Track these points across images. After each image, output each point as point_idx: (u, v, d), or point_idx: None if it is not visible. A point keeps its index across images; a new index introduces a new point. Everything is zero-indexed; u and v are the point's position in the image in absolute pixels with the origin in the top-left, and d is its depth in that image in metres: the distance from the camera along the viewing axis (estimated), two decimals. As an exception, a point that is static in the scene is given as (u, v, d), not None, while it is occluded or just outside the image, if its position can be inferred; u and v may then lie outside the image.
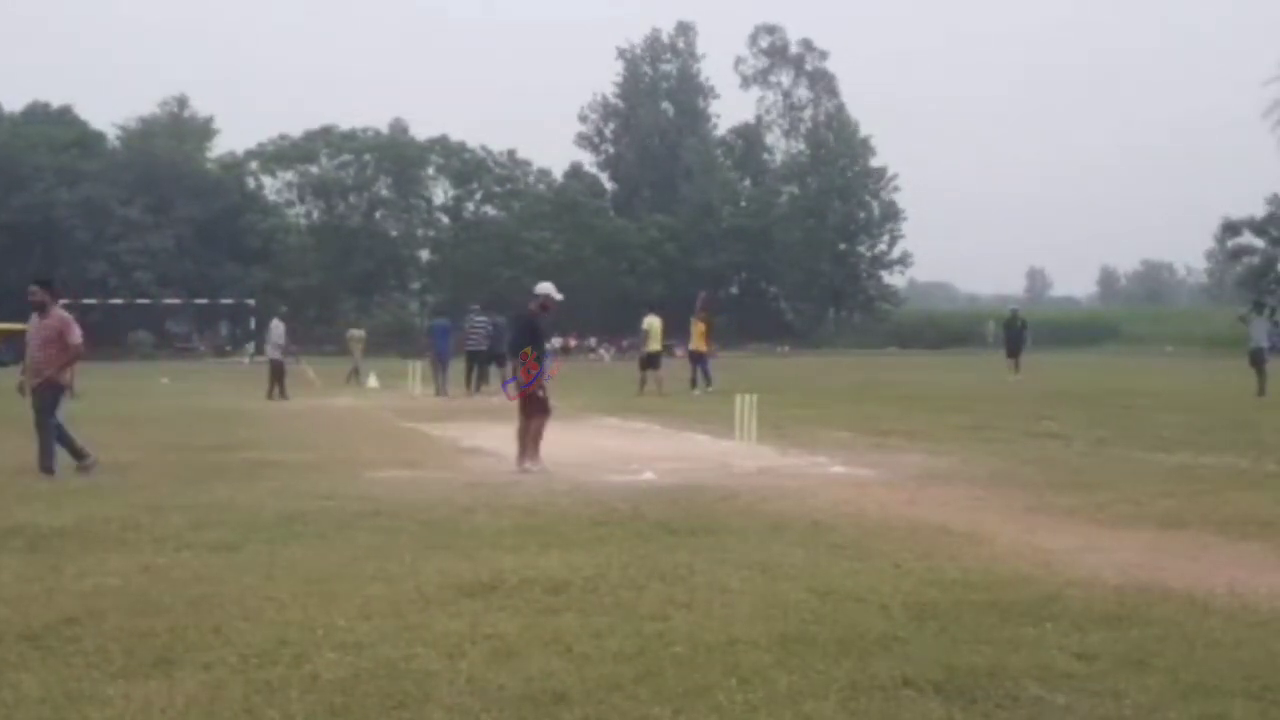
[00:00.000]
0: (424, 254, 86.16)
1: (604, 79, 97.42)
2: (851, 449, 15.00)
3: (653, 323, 28.74)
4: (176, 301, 70.95)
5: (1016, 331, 36.41)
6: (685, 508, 9.98)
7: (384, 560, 7.68)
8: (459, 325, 31.71)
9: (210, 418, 21.17)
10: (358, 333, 36.52)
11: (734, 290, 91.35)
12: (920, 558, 7.75)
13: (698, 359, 28.97)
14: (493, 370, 28.59)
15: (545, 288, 13.45)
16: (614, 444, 15.94)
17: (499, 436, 17.02)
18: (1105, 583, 7.00)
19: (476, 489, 11.21)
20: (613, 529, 8.87)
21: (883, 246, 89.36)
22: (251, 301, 67.67)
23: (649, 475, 12.28)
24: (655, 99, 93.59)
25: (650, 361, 28.26)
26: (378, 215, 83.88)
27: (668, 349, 31.64)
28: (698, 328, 29.33)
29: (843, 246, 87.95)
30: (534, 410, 13.02)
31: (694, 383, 27.99)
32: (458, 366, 29.44)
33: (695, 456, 13.49)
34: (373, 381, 32.31)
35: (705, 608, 6.37)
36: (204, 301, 71.80)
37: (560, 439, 16.79)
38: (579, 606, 6.41)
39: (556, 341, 71.52)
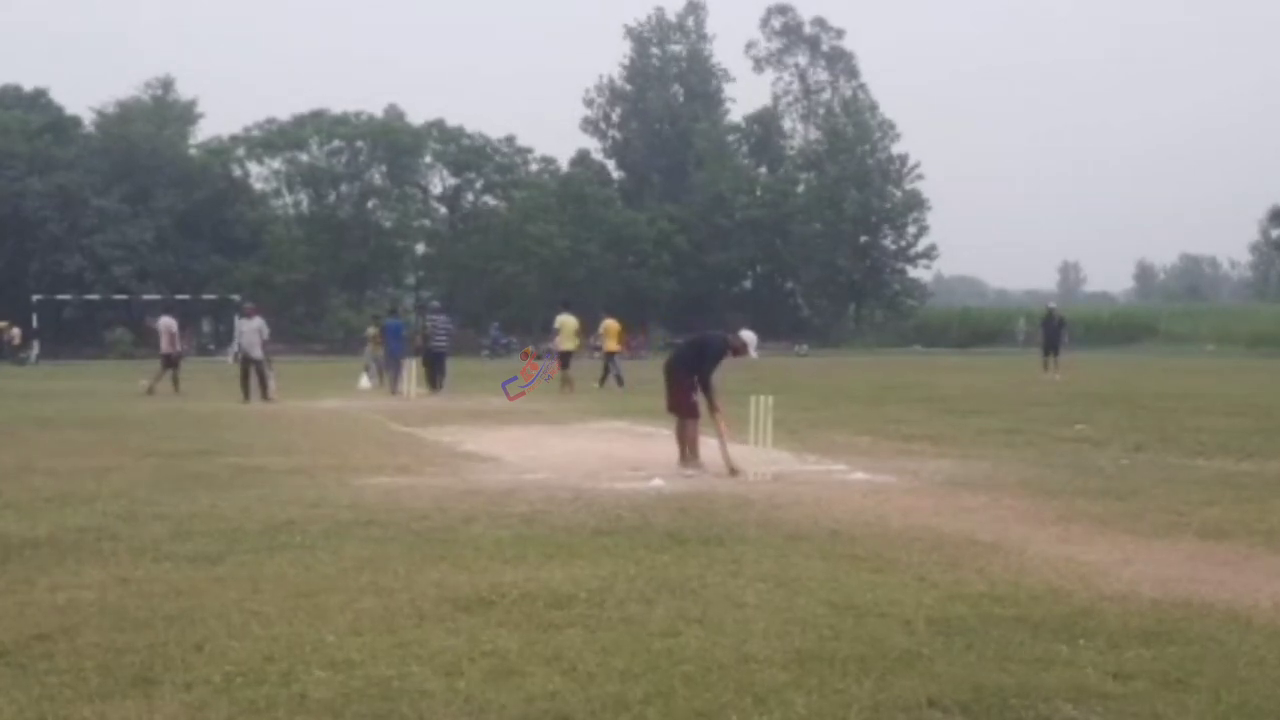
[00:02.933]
0: (420, 246, 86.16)
1: (610, 60, 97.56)
2: (873, 454, 15.00)
3: (566, 321, 30.90)
4: (156, 297, 70.86)
5: (1054, 330, 36.58)
6: (696, 517, 9.98)
7: (376, 572, 7.69)
8: (420, 323, 32.60)
9: (191, 420, 21.19)
10: (375, 330, 35.92)
11: (748, 285, 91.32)
12: (946, 570, 7.75)
13: (608, 358, 31.40)
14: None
15: (749, 337, 14.16)
16: (620, 449, 15.95)
17: (497, 441, 17.08)
18: (1142, 597, 6.99)
19: (474, 496, 11.22)
20: (619, 539, 8.88)
21: (906, 239, 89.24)
22: (236, 297, 67.76)
23: (657, 482, 12.28)
24: (664, 82, 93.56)
25: (563, 360, 30.36)
26: (370, 205, 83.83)
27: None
28: (611, 328, 31.72)
29: (864, 239, 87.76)
30: (686, 413, 13.73)
31: (619, 380, 30.35)
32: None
33: (706, 462, 13.48)
34: (364, 382, 32.35)
35: (717, 623, 6.37)
36: (186, 297, 71.89)
37: (564, 444, 16.84)
38: (583, 622, 6.41)
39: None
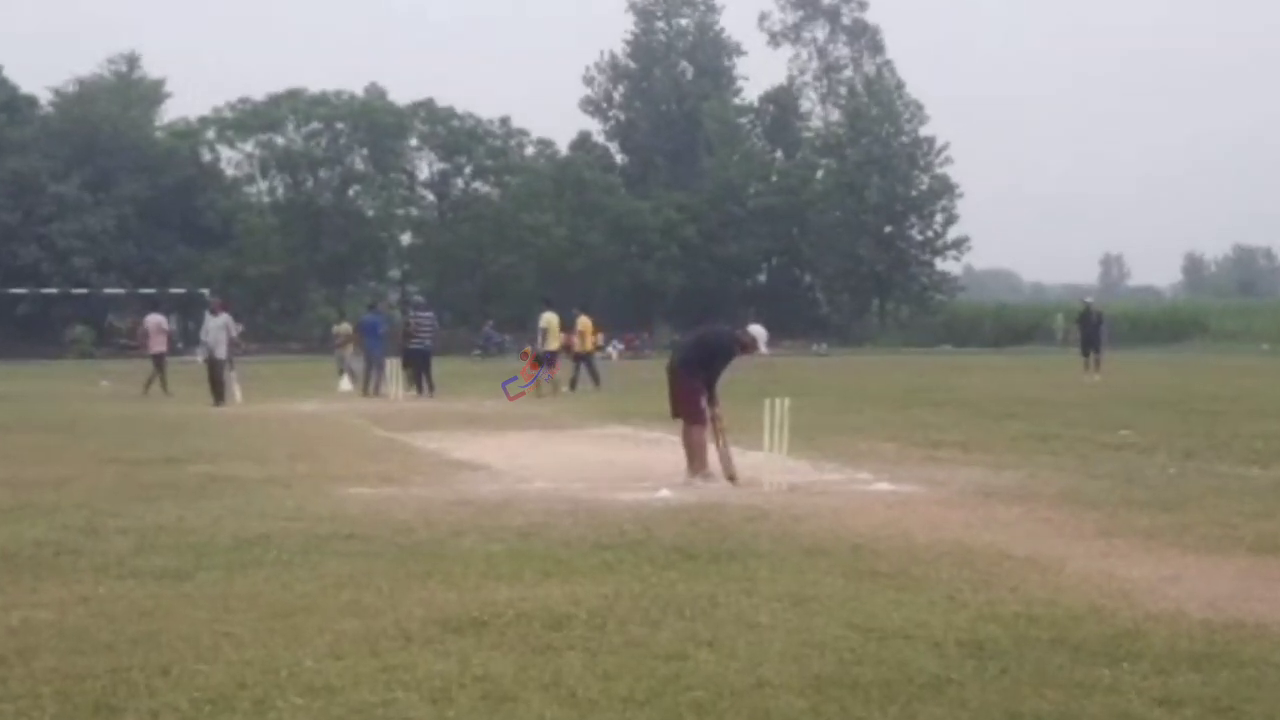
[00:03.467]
0: (405, 237, 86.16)
1: (613, 35, 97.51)
2: (898, 462, 14.99)
3: (551, 320, 31.31)
4: (119, 291, 70.94)
5: (1093, 327, 36.88)
6: (706, 530, 9.98)
7: (358, 590, 7.69)
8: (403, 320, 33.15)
9: (157, 425, 21.21)
10: (343, 328, 36.06)
11: (762, 279, 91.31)
12: (977, 588, 7.75)
13: (583, 358, 32.32)
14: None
15: (759, 332, 14.08)
16: (624, 456, 15.96)
17: (490, 447, 17.09)
18: (1191, 617, 6.98)
19: (465, 508, 11.22)
20: (622, 554, 8.87)
21: (934, 228, 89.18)
22: (206, 292, 67.78)
23: (664, 492, 12.28)
24: (671, 58, 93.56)
25: (548, 360, 30.72)
26: (352, 192, 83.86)
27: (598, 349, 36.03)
28: (586, 325, 32.46)
29: (888, 229, 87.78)
30: (693, 419, 13.55)
31: (574, 383, 31.48)
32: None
33: (717, 471, 13.47)
34: (345, 384, 32.38)
35: (729, 646, 6.37)
36: (151, 291, 71.74)
37: (562, 451, 16.86)
38: (583, 644, 6.41)
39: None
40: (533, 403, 26.87)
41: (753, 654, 6.21)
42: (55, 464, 15.03)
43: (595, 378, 31.81)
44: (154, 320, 31.95)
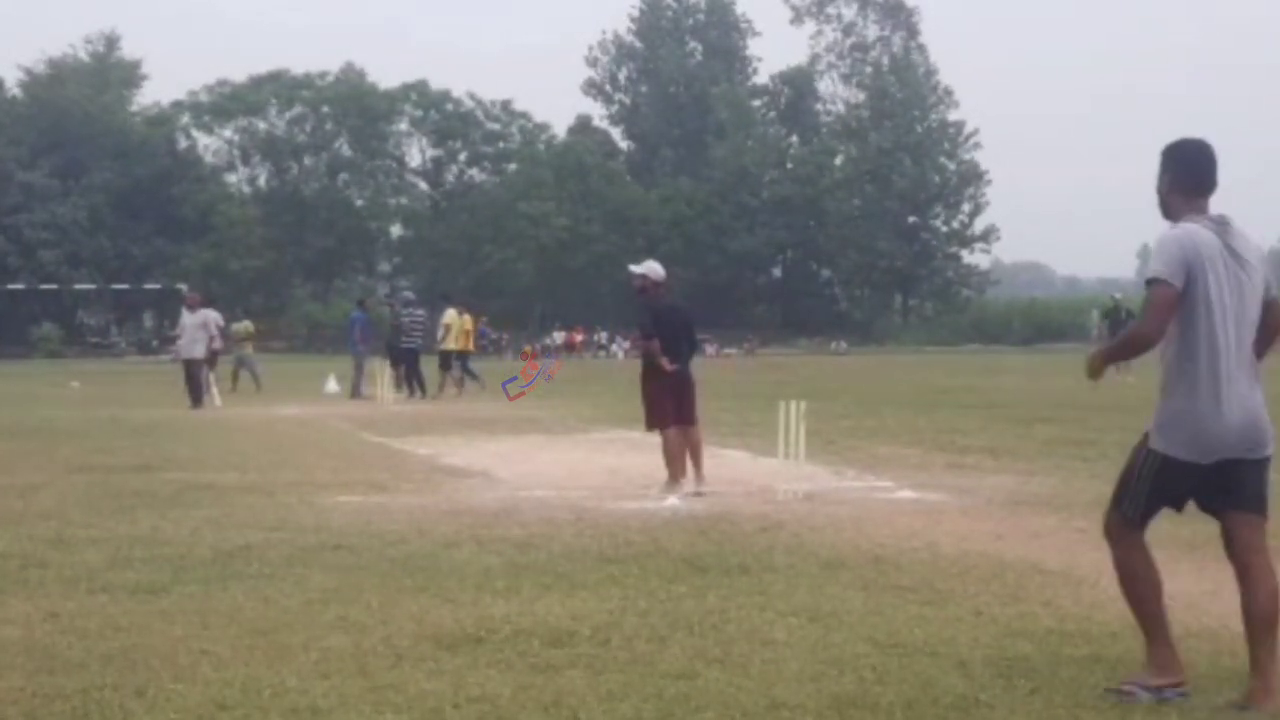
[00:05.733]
0: (395, 228, 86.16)
1: (618, 12, 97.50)
2: (922, 469, 14.99)
3: (453, 317, 31.06)
4: (90, 287, 70.99)
5: (1120, 323, 37.05)
6: (717, 541, 9.98)
7: (345, 606, 7.70)
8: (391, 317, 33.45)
9: (131, 430, 21.23)
10: (242, 326, 35.88)
11: (777, 274, 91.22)
12: (1006, 602, 7.74)
13: (462, 358, 31.23)
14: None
15: (652, 267, 13.62)
16: (629, 462, 15.92)
17: (486, 453, 17.09)
18: (1234, 632, 6.97)
19: (459, 517, 11.22)
20: (628, 567, 8.87)
21: (961, 218, 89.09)
22: (183, 288, 67.80)
23: (673, 501, 12.28)
24: (680, 37, 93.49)
25: (445, 362, 30.64)
26: (339, 180, 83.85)
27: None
28: (462, 323, 31.31)
29: (912, 219, 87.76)
30: (694, 419, 13.30)
31: (460, 383, 30.64)
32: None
33: (730, 478, 13.48)
34: (331, 385, 32.42)
35: (742, 664, 6.37)
36: (124, 287, 71.88)
37: (564, 456, 16.85)
38: (586, 662, 6.41)
39: (558, 336, 71.72)
40: (524, 406, 26.87)
41: (767, 673, 6.21)
42: (21, 471, 15.04)
43: (438, 385, 30.48)
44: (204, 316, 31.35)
